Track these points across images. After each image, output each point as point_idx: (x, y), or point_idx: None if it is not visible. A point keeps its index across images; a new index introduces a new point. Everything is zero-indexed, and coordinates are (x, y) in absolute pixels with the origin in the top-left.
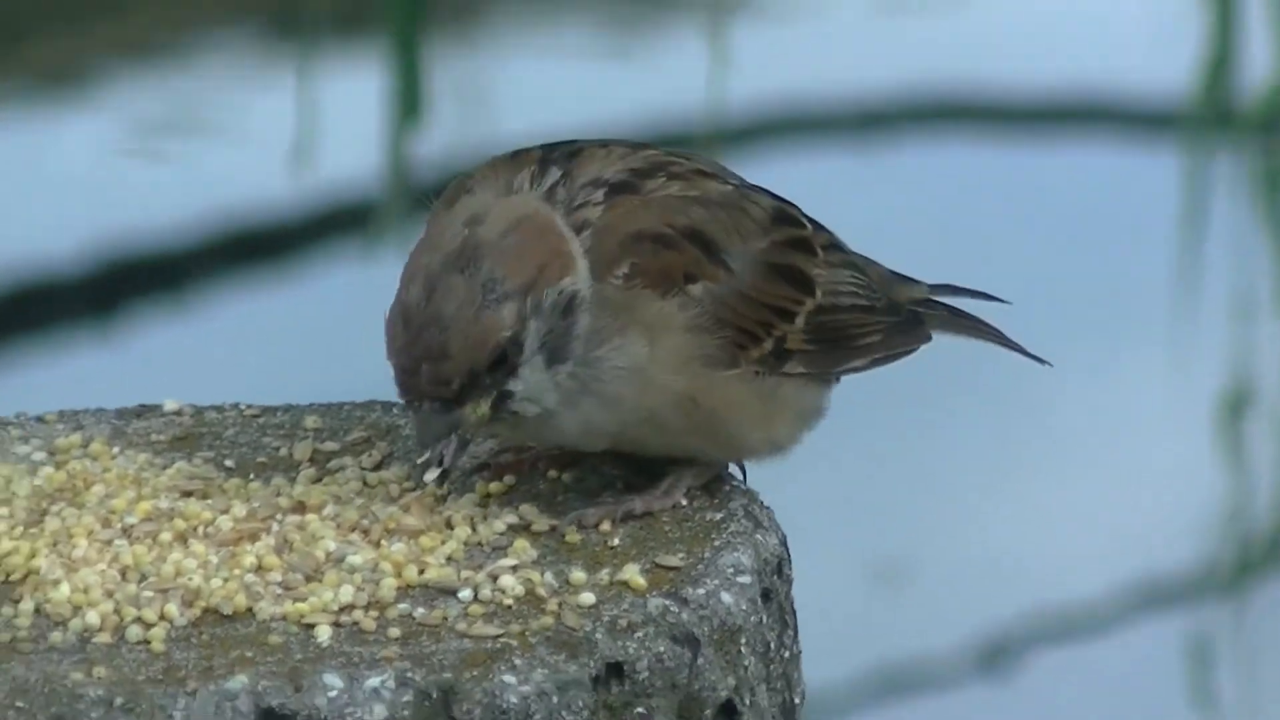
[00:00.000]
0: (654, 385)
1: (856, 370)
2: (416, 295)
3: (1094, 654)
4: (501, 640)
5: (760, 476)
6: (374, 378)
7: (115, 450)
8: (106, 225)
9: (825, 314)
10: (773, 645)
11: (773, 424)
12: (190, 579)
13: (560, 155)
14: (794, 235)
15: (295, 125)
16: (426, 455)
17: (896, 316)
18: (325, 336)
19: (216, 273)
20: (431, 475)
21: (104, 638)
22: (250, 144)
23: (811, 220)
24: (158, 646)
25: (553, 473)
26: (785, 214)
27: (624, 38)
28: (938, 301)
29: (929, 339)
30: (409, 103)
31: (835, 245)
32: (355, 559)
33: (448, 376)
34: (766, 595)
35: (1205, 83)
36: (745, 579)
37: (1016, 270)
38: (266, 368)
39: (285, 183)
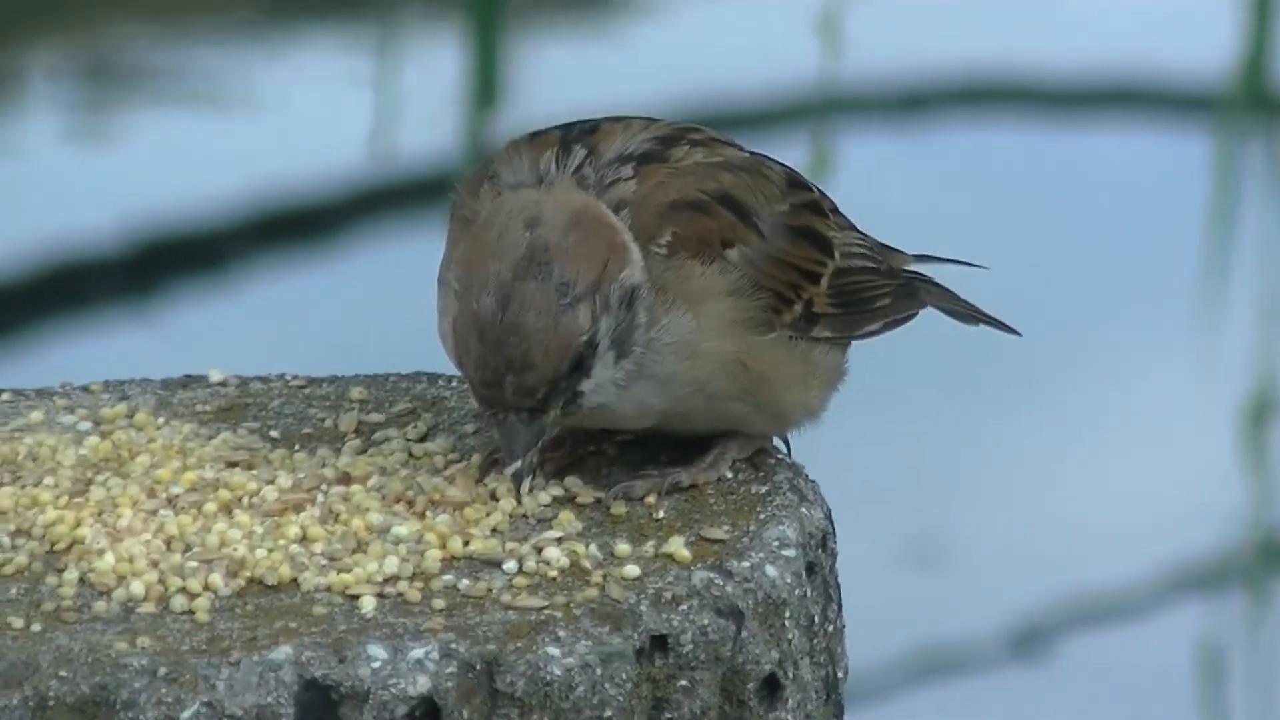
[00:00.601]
0: (702, 355)
1: (872, 334)
2: (490, 306)
3: (1126, 640)
4: (546, 612)
5: (801, 455)
6: (418, 351)
7: (160, 420)
8: (145, 204)
9: (843, 276)
10: (816, 619)
11: (808, 387)
12: (235, 549)
13: (579, 133)
14: (807, 199)
15: (374, 106)
16: (517, 465)
17: (898, 280)
18: (369, 313)
19: (256, 251)
20: (526, 485)
21: (148, 608)
22: (292, 121)
23: (818, 189)
24: (202, 617)
25: (597, 447)
26: (795, 178)
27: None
28: (918, 273)
29: (925, 305)
30: (486, 86)
31: (838, 211)
32: (400, 530)
33: (532, 386)
34: (811, 569)
35: (1242, 67)
36: (790, 552)
37: (1049, 253)
38: (306, 345)
39: (326, 160)
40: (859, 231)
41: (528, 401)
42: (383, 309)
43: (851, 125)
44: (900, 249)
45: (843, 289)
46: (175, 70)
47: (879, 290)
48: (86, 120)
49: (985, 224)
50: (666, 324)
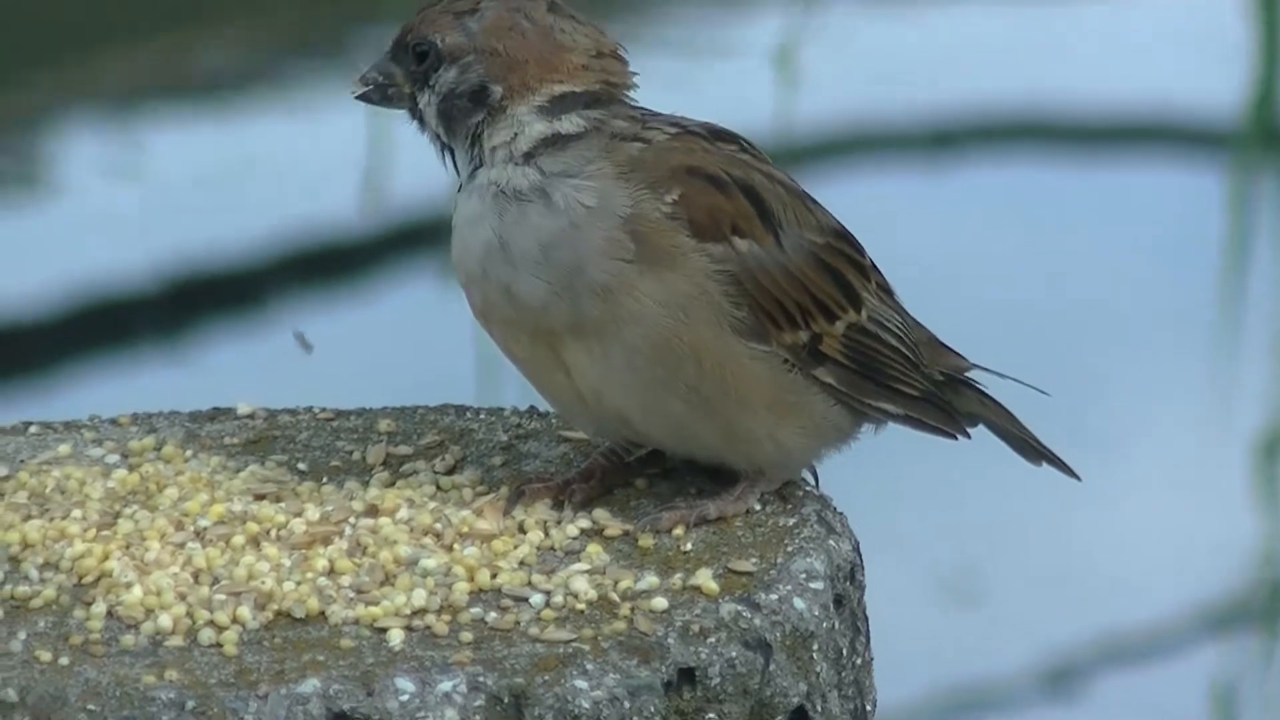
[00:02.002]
0: (646, 316)
1: (889, 415)
2: None
3: (1151, 679)
4: (573, 645)
5: (835, 488)
6: (446, 385)
7: (188, 453)
8: (180, 243)
9: (867, 337)
10: (845, 651)
11: (785, 424)
12: (263, 582)
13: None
14: (851, 255)
15: (367, 149)
16: (363, 70)
17: (937, 389)
18: (397, 352)
19: (287, 290)
20: (353, 84)
21: (176, 640)
22: (320, 164)
23: (874, 264)
24: (230, 649)
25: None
26: (848, 236)
27: (690, 56)
28: (973, 381)
29: (967, 436)
30: None
31: (891, 293)
32: (428, 563)
33: (404, 28)
34: (839, 601)
35: (1254, 103)
36: (818, 584)
37: (1066, 289)
38: (337, 382)
39: (354, 203)
40: (907, 316)
41: (401, 36)
42: (413, 346)
43: (876, 163)
44: (960, 354)
45: (861, 347)
46: (202, 103)
47: (903, 374)
48: (117, 156)
49: (1003, 260)
50: (622, 263)
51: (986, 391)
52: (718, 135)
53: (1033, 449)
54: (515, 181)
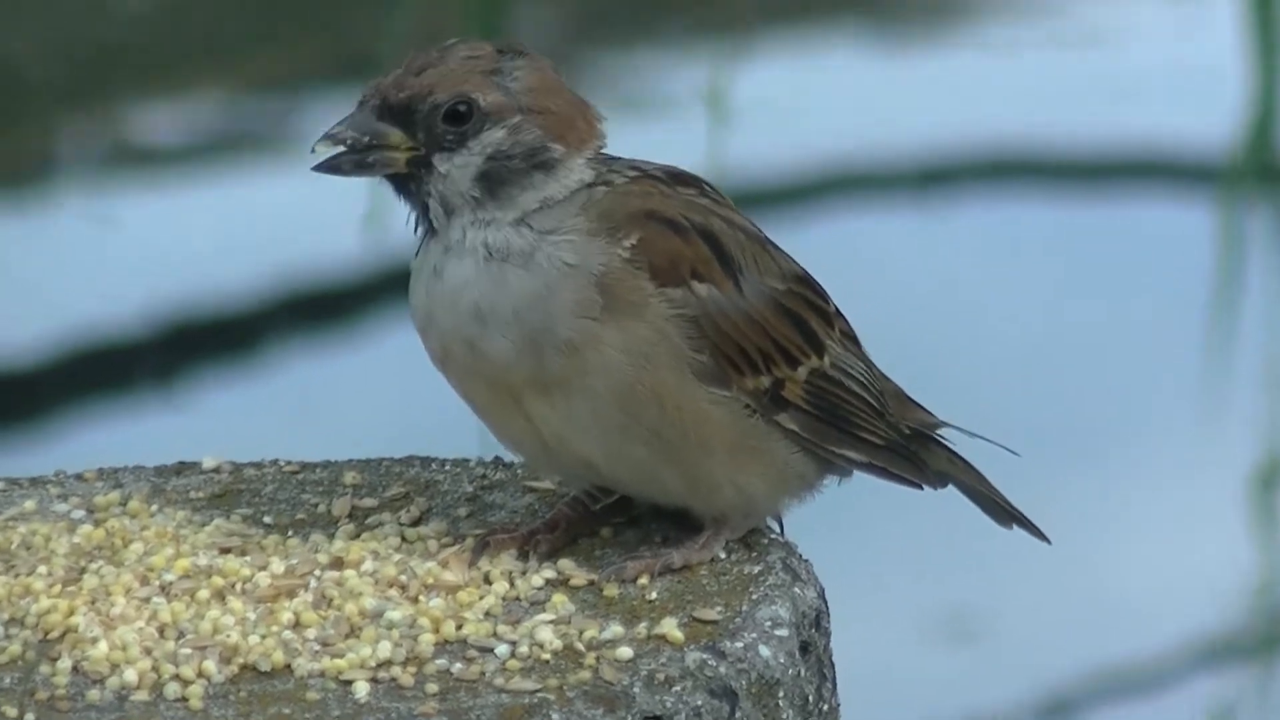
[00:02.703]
0: (609, 365)
1: (853, 463)
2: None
3: (1147, 714)
4: (539, 695)
5: (820, 532)
6: (447, 429)
7: (154, 508)
8: (171, 287)
9: (830, 384)
10: (811, 698)
11: (747, 470)
12: (228, 636)
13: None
14: (813, 301)
15: (368, 191)
16: (335, 130)
17: (902, 439)
18: (396, 396)
19: (282, 335)
20: (319, 144)
21: (142, 695)
22: (315, 208)
23: (839, 310)
24: (195, 704)
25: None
26: (811, 282)
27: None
28: (943, 438)
29: (934, 485)
30: None
31: (855, 340)
32: (393, 615)
33: (406, 85)
34: (805, 648)
35: (1247, 137)
36: (783, 632)
37: (1056, 324)
38: (332, 428)
39: (350, 245)
40: (871, 368)
41: (394, 95)
42: (411, 389)
43: (868, 201)
44: (929, 411)
45: (824, 393)
46: (196, 151)
47: (867, 422)
48: (110, 202)
49: (992, 295)
50: (589, 312)
51: (955, 449)
52: (677, 179)
53: (1002, 510)
54: (513, 243)
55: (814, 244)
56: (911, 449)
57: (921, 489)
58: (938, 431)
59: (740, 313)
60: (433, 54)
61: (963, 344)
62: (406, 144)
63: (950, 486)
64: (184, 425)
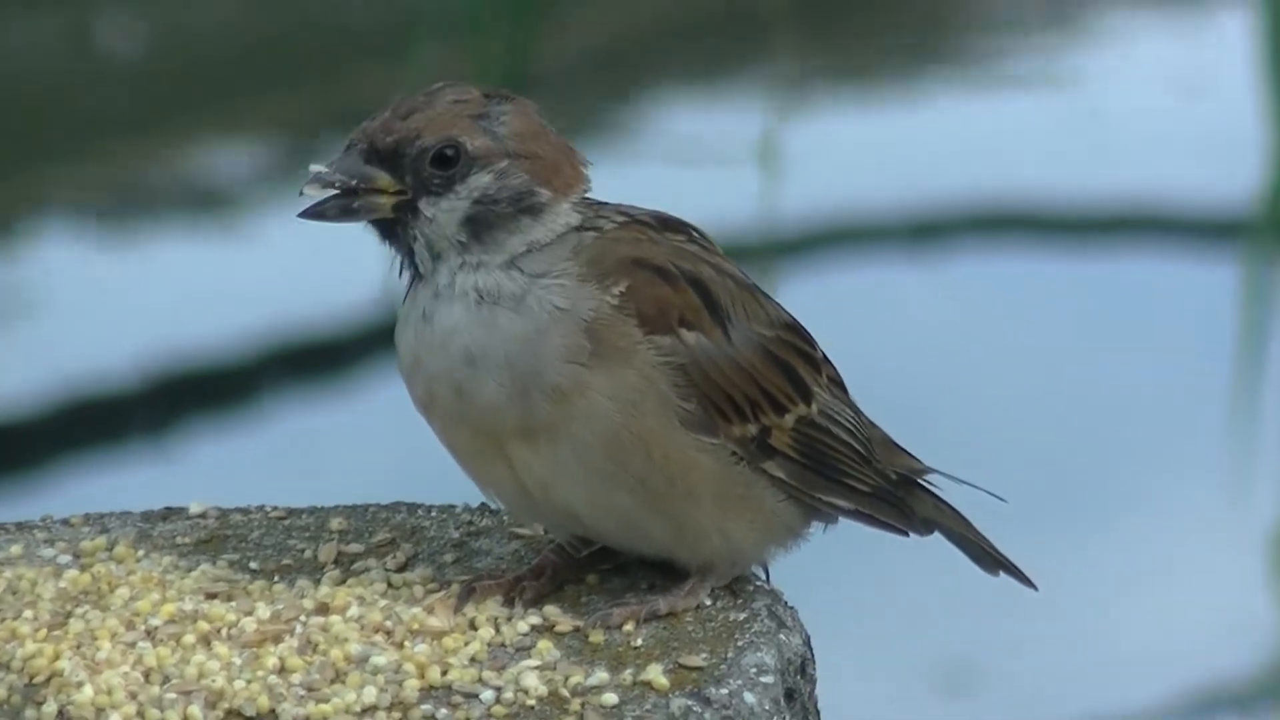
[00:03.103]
0: (597, 412)
1: (840, 510)
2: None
3: None
4: None
5: (817, 584)
6: (445, 479)
7: (140, 553)
8: (164, 338)
9: (818, 431)
10: None
11: (734, 518)
12: (213, 680)
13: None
14: (801, 347)
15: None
16: (320, 170)
17: (889, 485)
18: (385, 447)
19: (276, 386)
20: (306, 187)
21: None
22: (313, 257)
23: (826, 356)
24: None
25: (578, 578)
26: (799, 329)
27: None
28: (930, 484)
29: (921, 532)
30: None
31: (842, 387)
32: (379, 660)
33: (393, 129)
34: (790, 695)
35: (1267, 192)
36: (768, 679)
37: (1076, 381)
38: (323, 480)
39: (344, 297)
40: (859, 414)
41: (379, 138)
42: (407, 440)
43: (864, 253)
44: (916, 457)
45: (811, 440)
46: (191, 201)
47: (854, 469)
48: (104, 253)
49: (1010, 351)
50: (580, 360)
51: (942, 496)
52: (666, 225)
53: (989, 557)
54: (504, 286)
55: (804, 295)
56: (898, 495)
57: (908, 535)
58: (925, 478)
59: (729, 360)
60: (420, 98)
61: (982, 399)
62: (393, 188)
63: (936, 534)
64: (175, 476)
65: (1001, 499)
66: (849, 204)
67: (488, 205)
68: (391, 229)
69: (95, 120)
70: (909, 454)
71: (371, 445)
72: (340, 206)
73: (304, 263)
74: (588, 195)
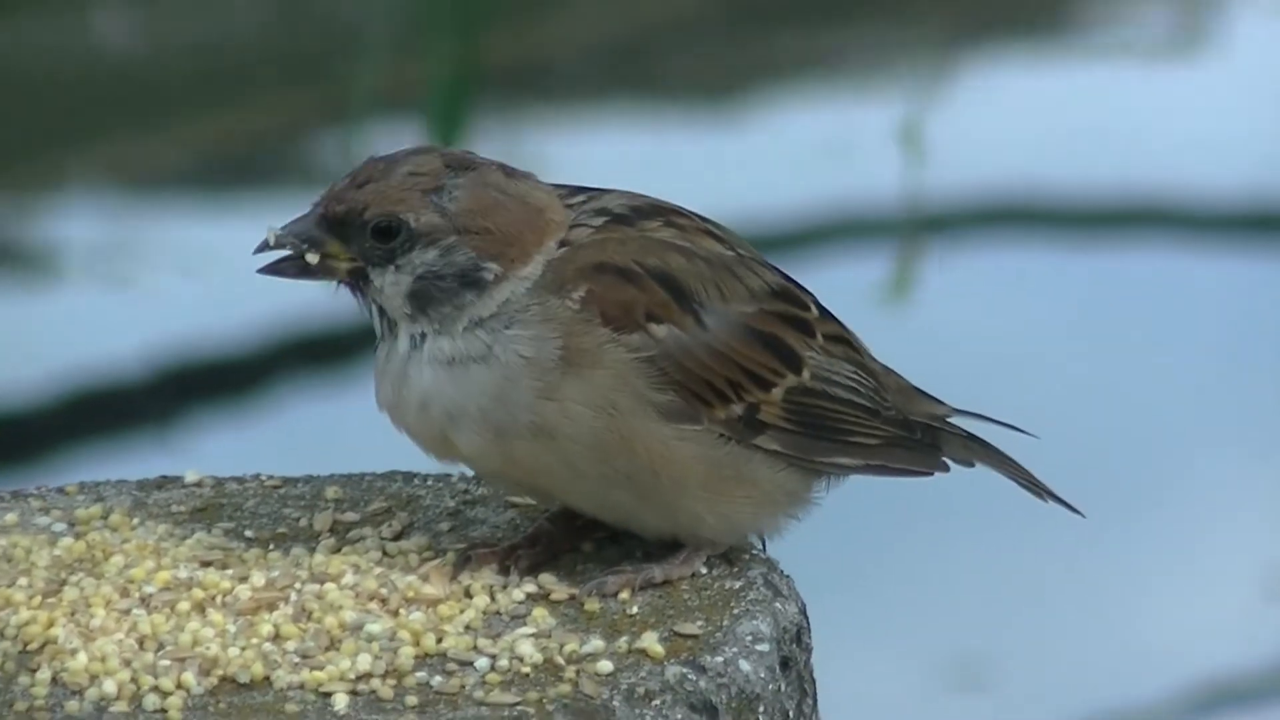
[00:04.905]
0: (572, 416)
1: (845, 469)
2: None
3: None
4: (519, 708)
5: (830, 577)
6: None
7: (135, 521)
8: (170, 330)
9: (812, 397)
10: (791, 714)
11: (728, 498)
12: (208, 648)
13: (589, 190)
14: (790, 312)
15: None
16: (280, 233)
17: (906, 432)
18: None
19: (282, 377)
20: (258, 252)
21: (121, 706)
22: None
23: (825, 310)
24: (175, 715)
25: (573, 546)
26: (789, 293)
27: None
28: (956, 427)
29: (945, 469)
30: None
31: (845, 341)
32: (373, 627)
33: (345, 199)
34: (785, 663)
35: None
36: (764, 647)
37: (1080, 378)
38: (332, 470)
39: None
40: (864, 369)
41: (334, 207)
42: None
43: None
44: (939, 400)
45: (805, 408)
46: (198, 193)
47: (856, 425)
48: (111, 246)
49: (1035, 345)
50: (541, 362)
51: (973, 434)
52: (641, 213)
53: (1034, 486)
54: (470, 349)
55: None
56: (917, 438)
57: (931, 474)
58: (949, 420)
59: (703, 347)
60: (379, 165)
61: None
62: (345, 255)
63: (934, 535)
64: (181, 469)
65: (1034, 435)
66: (851, 197)
67: (431, 281)
68: (355, 289)
69: (98, 108)
70: (931, 398)
71: (379, 436)
72: (299, 266)
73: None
74: (583, 188)
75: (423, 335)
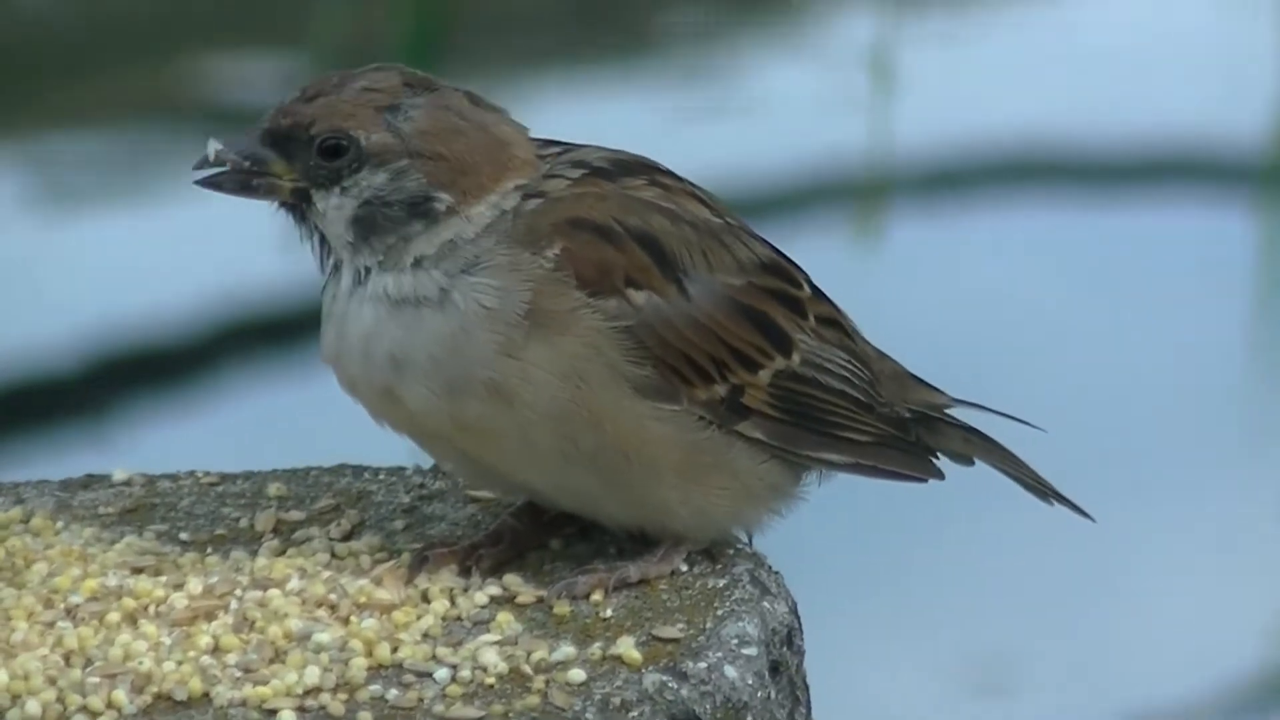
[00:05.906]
0: (534, 381)
1: (834, 465)
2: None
3: None
4: None
5: (845, 580)
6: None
7: (59, 524)
8: (107, 312)
9: (801, 384)
10: None
11: (704, 487)
12: (140, 663)
13: (565, 144)
14: (781, 289)
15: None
16: (217, 147)
17: (900, 431)
18: (347, 423)
19: (222, 365)
20: (197, 168)
21: None
22: (252, 226)
23: (818, 291)
24: None
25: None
26: (780, 268)
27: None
28: (955, 419)
29: (940, 476)
30: None
31: (838, 324)
32: (322, 637)
33: (292, 112)
34: (775, 668)
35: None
36: (751, 651)
37: (1093, 336)
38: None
39: (283, 268)
40: (858, 358)
41: (279, 120)
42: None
43: (894, 202)
44: (938, 389)
45: (793, 395)
46: (125, 180)
47: (848, 420)
48: (38, 231)
49: (1027, 303)
50: (491, 300)
51: (974, 428)
52: (626, 169)
53: (1038, 487)
54: (421, 289)
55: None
56: (910, 440)
57: (924, 481)
58: (947, 411)
59: (685, 319)
60: (333, 80)
61: (979, 358)
62: (289, 173)
63: (944, 535)
64: (112, 466)
65: (1039, 428)
66: (865, 153)
67: (378, 207)
68: (296, 213)
69: (25, 80)
70: (930, 386)
71: (327, 424)
72: (238, 181)
73: (252, 231)
74: (558, 141)
75: (367, 270)
